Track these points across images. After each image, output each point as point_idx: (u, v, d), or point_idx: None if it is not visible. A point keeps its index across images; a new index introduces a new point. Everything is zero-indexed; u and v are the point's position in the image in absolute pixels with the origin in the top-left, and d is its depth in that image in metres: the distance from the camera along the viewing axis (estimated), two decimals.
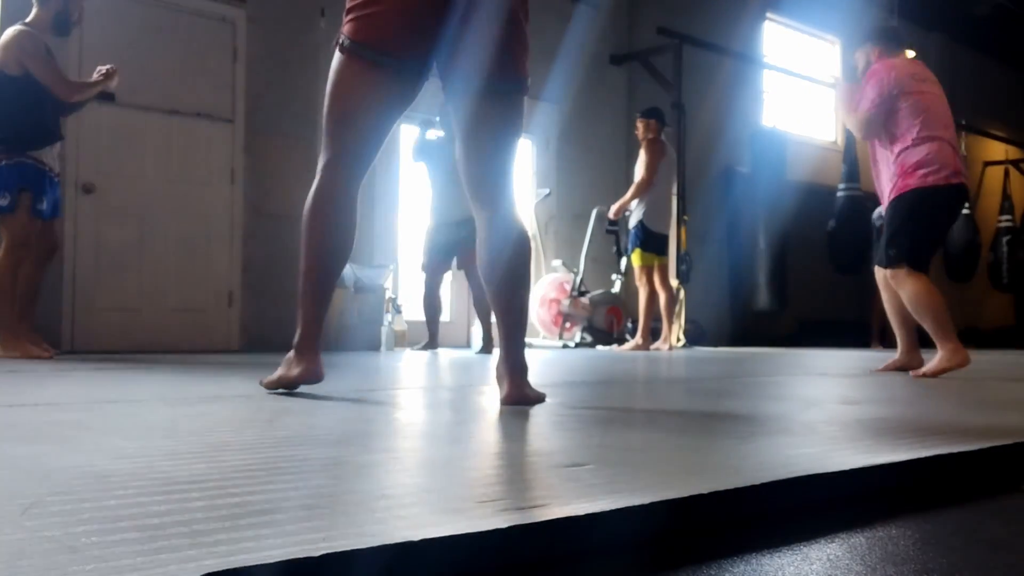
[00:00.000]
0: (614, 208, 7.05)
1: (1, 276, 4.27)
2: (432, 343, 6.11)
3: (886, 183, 3.99)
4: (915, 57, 4.22)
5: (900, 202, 3.90)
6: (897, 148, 3.91)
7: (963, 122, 11.60)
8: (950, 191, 3.87)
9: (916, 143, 3.86)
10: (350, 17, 2.22)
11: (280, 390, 2.36)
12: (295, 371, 2.30)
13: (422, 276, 6.12)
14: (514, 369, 2.22)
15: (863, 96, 4.05)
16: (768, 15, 10.24)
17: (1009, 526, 1.18)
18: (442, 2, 2.16)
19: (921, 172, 3.84)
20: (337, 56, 2.25)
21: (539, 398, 2.23)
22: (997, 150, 12.50)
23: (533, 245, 8.29)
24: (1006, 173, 12.15)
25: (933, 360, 3.81)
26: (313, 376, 2.30)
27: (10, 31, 4.34)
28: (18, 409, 2.01)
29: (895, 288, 3.94)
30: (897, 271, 3.85)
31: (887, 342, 8.61)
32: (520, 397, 2.19)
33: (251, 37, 6.34)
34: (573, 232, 8.06)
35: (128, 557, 0.74)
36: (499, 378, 2.25)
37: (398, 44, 2.18)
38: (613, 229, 7.54)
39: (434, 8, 2.16)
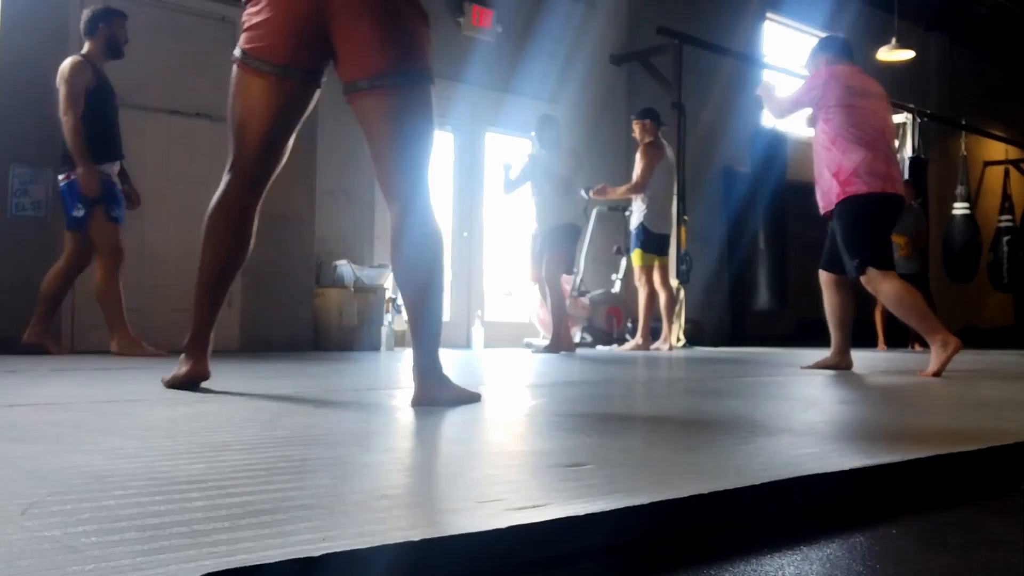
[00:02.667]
0: (599, 187, 6.97)
1: (108, 285, 4.70)
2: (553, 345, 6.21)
3: (825, 188, 4.18)
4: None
5: (843, 210, 4.08)
6: (833, 156, 4.12)
7: (963, 122, 11.61)
8: (884, 199, 4.09)
9: (849, 152, 4.07)
10: (243, 29, 2.31)
11: (178, 388, 2.44)
12: (183, 370, 2.43)
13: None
14: (424, 372, 2.18)
15: (800, 84, 4.36)
16: (768, 15, 10.23)
17: (1009, 526, 1.18)
18: (318, 11, 2.21)
19: (856, 180, 4.04)
20: (234, 66, 2.34)
21: (455, 398, 2.18)
22: (997, 150, 12.49)
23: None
24: (1006, 173, 12.15)
25: (932, 358, 3.86)
26: (198, 375, 2.42)
27: (67, 61, 4.64)
28: (18, 409, 2.01)
29: (872, 292, 4.12)
30: (870, 275, 4.01)
31: (891, 342, 8.57)
32: (427, 398, 2.15)
33: None
34: None
35: (128, 557, 0.74)
36: (414, 379, 2.22)
37: (281, 53, 2.27)
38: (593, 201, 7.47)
39: (311, 17, 2.22)
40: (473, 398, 2.23)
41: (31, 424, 1.72)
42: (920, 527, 1.12)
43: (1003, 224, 11.86)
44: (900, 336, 8.71)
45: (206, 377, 2.44)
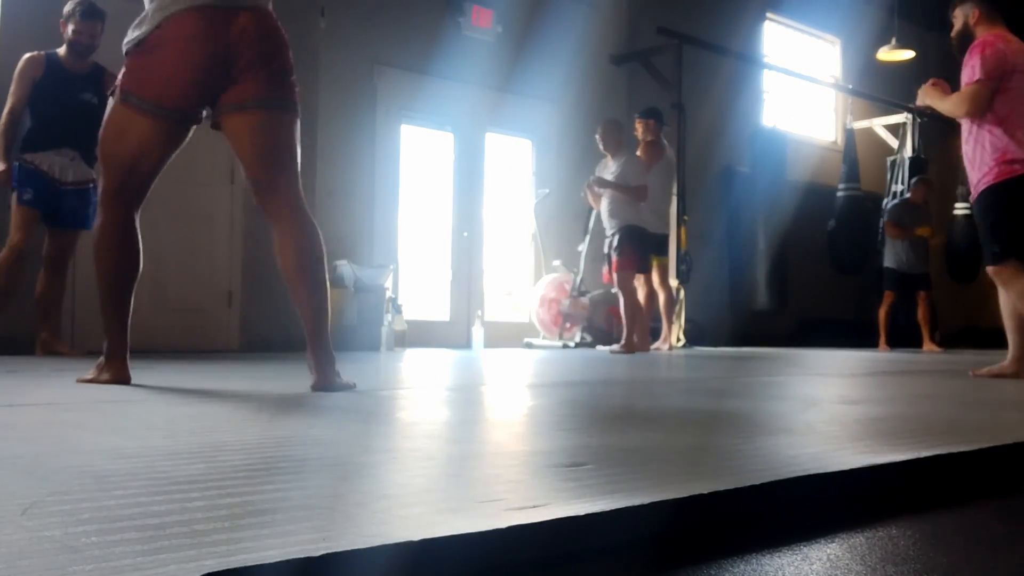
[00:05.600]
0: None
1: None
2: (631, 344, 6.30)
3: (979, 166, 3.65)
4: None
5: (995, 193, 3.57)
6: (1000, 131, 3.57)
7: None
8: None
9: (1021, 129, 3.53)
10: (130, 69, 2.46)
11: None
12: (105, 376, 2.58)
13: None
14: (322, 360, 2.49)
15: (970, 66, 3.69)
16: (768, 15, 10.23)
17: (1009, 526, 1.18)
18: (218, 60, 2.40)
19: (1021, 161, 3.52)
20: (115, 103, 2.49)
21: (347, 385, 2.51)
22: None
23: (533, 245, 8.29)
24: None
25: None
26: (120, 380, 2.57)
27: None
28: (18, 409, 2.01)
29: (1000, 286, 3.67)
30: (1004, 268, 3.59)
31: (893, 343, 8.54)
32: (328, 383, 2.46)
33: None
34: (573, 232, 8.05)
35: (128, 557, 0.74)
36: (310, 368, 2.51)
37: (175, 98, 2.44)
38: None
39: (210, 67, 2.41)
40: (350, 386, 2.52)
41: (31, 424, 1.72)
42: (920, 527, 1.12)
43: None
44: (900, 337, 8.71)
45: (127, 382, 2.57)
